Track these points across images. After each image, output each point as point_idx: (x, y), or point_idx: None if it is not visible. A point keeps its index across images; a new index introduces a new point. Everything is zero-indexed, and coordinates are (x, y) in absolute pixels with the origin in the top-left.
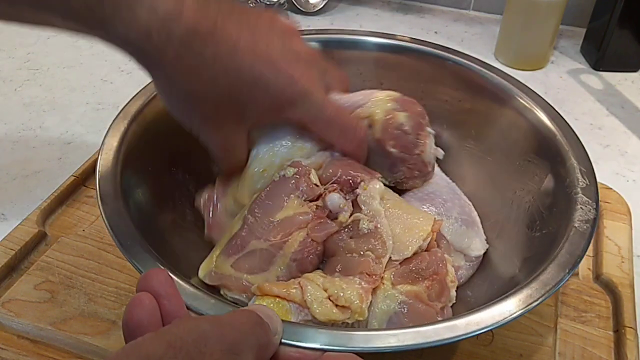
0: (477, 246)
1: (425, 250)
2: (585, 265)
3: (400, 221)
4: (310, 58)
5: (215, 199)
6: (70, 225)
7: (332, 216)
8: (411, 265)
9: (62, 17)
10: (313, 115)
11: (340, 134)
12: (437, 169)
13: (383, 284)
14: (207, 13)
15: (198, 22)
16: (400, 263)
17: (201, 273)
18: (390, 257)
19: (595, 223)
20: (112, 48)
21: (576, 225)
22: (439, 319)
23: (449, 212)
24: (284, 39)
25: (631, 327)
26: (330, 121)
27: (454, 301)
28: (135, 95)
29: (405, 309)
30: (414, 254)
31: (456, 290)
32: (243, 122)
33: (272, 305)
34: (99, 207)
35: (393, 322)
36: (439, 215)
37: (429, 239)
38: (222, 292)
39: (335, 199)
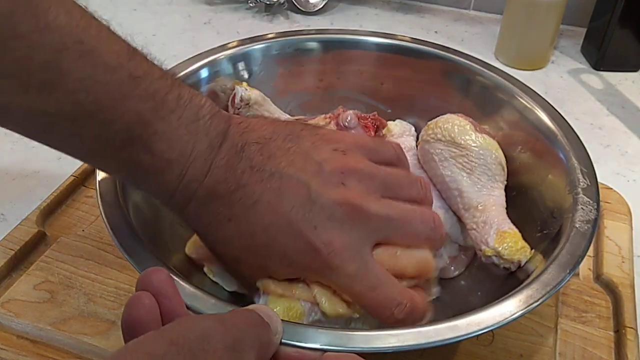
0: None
1: None
2: (585, 266)
3: None
4: (356, 211)
5: None
6: (70, 225)
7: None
8: None
9: (99, 161)
10: (340, 286)
11: (373, 311)
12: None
13: None
14: (234, 170)
15: (219, 183)
16: None
17: (188, 249)
18: None
19: (596, 223)
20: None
21: (577, 225)
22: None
23: (447, 205)
24: (326, 187)
25: (632, 328)
26: (360, 296)
27: (438, 295)
28: None
29: None
30: None
31: (450, 282)
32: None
33: (285, 309)
34: (99, 207)
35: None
36: (440, 209)
37: None
38: (205, 270)
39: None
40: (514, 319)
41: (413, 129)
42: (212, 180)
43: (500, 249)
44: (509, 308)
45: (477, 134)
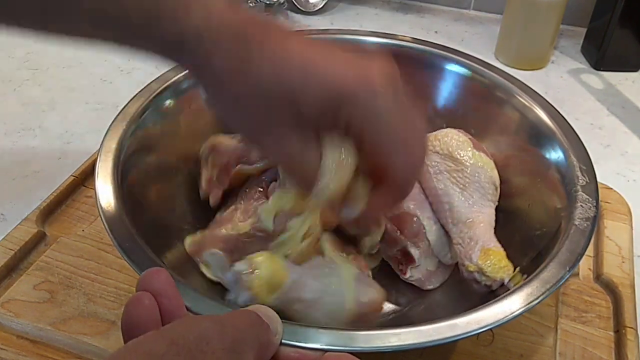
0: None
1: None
2: (585, 266)
3: None
4: (393, 81)
5: None
6: (70, 225)
7: None
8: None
9: (116, 28)
10: (374, 115)
11: (400, 150)
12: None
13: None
14: (261, 19)
15: (251, 20)
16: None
17: (187, 243)
18: None
19: (595, 221)
20: (154, 56)
21: (576, 223)
22: None
23: (436, 217)
24: (364, 59)
25: (632, 328)
26: (394, 130)
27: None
28: (134, 97)
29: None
30: None
31: (426, 295)
32: (302, 126)
33: (268, 261)
34: (99, 212)
35: (361, 281)
36: (429, 219)
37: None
38: (202, 270)
39: None
40: (515, 317)
41: None
42: (242, 20)
43: (483, 265)
44: (509, 306)
45: (474, 151)
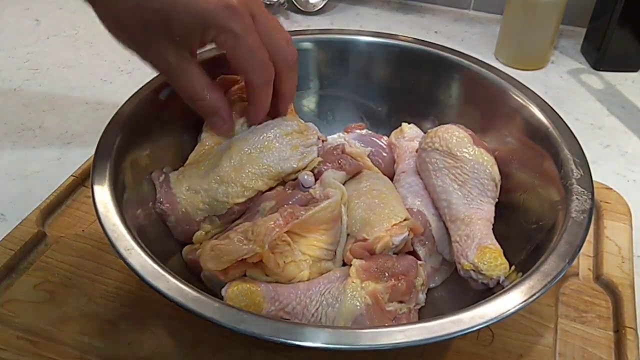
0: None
1: (399, 252)
2: (585, 266)
3: (373, 208)
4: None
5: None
6: (70, 226)
7: (304, 190)
8: (379, 262)
9: None
10: (235, 40)
11: (255, 68)
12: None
13: (353, 282)
14: None
15: None
16: (367, 259)
17: (184, 252)
18: (349, 235)
19: (591, 213)
20: None
21: (573, 215)
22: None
23: (441, 216)
24: None
25: (631, 328)
26: (250, 52)
27: (423, 304)
28: (130, 98)
29: (366, 313)
30: (384, 249)
31: (427, 292)
32: (176, 43)
33: (244, 295)
34: (98, 219)
35: (357, 323)
36: (434, 215)
37: (402, 236)
38: (202, 276)
39: (305, 176)
40: (517, 310)
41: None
42: None
43: (479, 263)
44: (511, 300)
45: (474, 147)
